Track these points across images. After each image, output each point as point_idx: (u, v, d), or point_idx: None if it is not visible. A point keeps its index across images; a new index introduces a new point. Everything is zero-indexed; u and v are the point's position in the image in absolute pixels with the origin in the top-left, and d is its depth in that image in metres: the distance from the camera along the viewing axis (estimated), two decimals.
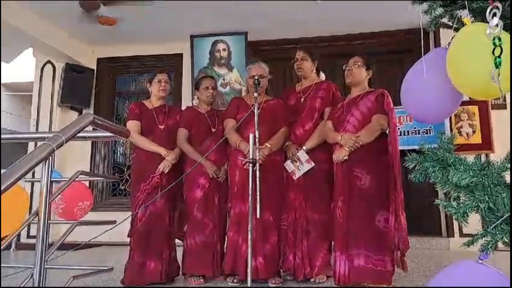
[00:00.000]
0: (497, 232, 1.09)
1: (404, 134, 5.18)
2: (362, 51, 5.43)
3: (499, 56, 1.16)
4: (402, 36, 5.21)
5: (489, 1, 1.23)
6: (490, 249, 1.11)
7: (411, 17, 1.38)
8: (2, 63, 7.68)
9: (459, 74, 1.30)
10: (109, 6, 4.59)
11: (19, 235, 5.05)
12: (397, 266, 2.75)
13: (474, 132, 5.16)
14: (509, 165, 1.18)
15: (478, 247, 1.18)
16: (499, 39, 1.18)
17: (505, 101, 5.05)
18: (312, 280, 2.98)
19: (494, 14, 1.21)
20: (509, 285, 1.06)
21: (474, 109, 5.16)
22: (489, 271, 1.10)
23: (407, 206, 5.28)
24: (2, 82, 8.77)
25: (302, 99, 3.21)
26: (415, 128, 5.21)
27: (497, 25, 1.20)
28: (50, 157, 1.66)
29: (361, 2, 4.61)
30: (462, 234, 4.92)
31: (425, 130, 5.21)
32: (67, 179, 2.05)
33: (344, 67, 3.03)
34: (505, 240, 1.12)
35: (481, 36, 1.21)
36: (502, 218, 1.07)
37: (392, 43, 5.49)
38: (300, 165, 3.03)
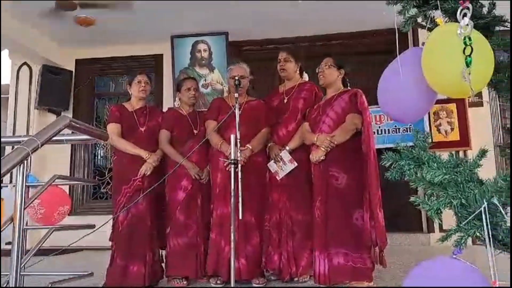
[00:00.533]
0: (470, 228, 1.12)
1: (384, 133, 5.24)
2: (344, 51, 5.56)
3: (469, 55, 1.19)
4: (383, 36, 5.26)
5: (460, 2, 1.25)
6: (463, 245, 1.13)
7: (391, 18, 1.40)
8: None
9: (433, 73, 1.33)
10: (86, 8, 4.53)
11: None
12: (376, 262, 2.79)
13: (452, 129, 5.27)
14: (481, 162, 1.21)
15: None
16: (469, 39, 1.20)
17: (482, 99, 5.16)
18: (296, 279, 3.00)
19: (465, 15, 1.24)
20: (482, 279, 1.09)
21: (452, 107, 5.26)
22: (463, 266, 1.13)
23: (387, 203, 5.37)
24: None
25: (285, 100, 3.23)
26: (395, 126, 5.28)
27: (467, 25, 1.22)
28: (26, 162, 1.63)
29: (342, 3, 4.64)
30: (442, 230, 5.01)
31: (405, 128, 5.28)
32: (44, 183, 2.02)
33: (317, 69, 3.07)
34: (477, 235, 1.14)
35: (453, 36, 1.24)
36: (474, 214, 1.09)
37: (374, 43, 5.54)
38: (283, 165, 3.04)
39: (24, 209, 1.58)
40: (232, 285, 2.50)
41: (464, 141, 5.15)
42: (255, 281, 2.95)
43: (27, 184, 1.66)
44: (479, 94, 5.09)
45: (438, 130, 5.29)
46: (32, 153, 1.57)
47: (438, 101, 5.16)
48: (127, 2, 4.54)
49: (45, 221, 2.34)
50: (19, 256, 1.57)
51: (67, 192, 4.83)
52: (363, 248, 2.77)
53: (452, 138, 5.24)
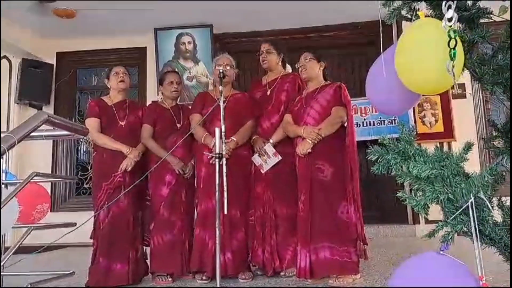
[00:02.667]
0: (457, 223, 1.10)
1: (370, 125, 5.25)
2: (328, 43, 5.55)
3: (454, 48, 1.17)
4: (367, 28, 5.25)
5: None
6: (450, 240, 1.12)
7: (375, 10, 1.39)
8: None
9: (409, 70, 1.30)
10: (67, 0, 4.41)
11: None
12: (360, 256, 2.79)
13: (436, 121, 5.30)
14: (467, 155, 1.19)
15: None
16: (454, 31, 1.18)
17: (465, 91, 5.20)
18: (282, 273, 2.99)
19: (449, 7, 1.22)
20: (469, 275, 1.08)
21: (436, 98, 5.29)
22: (451, 262, 1.12)
23: (372, 196, 5.40)
24: None
25: (268, 92, 3.20)
26: (380, 118, 5.29)
27: (451, 18, 1.20)
28: (2, 159, 1.57)
29: None
30: (427, 221, 5.06)
31: (390, 120, 5.30)
32: (21, 181, 1.96)
33: (296, 65, 3.05)
34: (465, 230, 1.13)
35: (429, 32, 1.22)
36: (461, 209, 1.08)
37: (357, 35, 5.53)
38: (267, 158, 3.02)
39: (1, 207, 1.52)
40: (217, 282, 2.47)
41: (448, 132, 5.19)
42: (241, 276, 2.93)
43: (3, 182, 1.60)
44: (462, 86, 5.14)
45: (423, 122, 5.32)
46: (8, 150, 1.51)
47: None
48: None
49: (23, 219, 2.28)
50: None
51: (49, 189, 4.74)
52: (348, 242, 2.76)
53: (437, 130, 5.28)
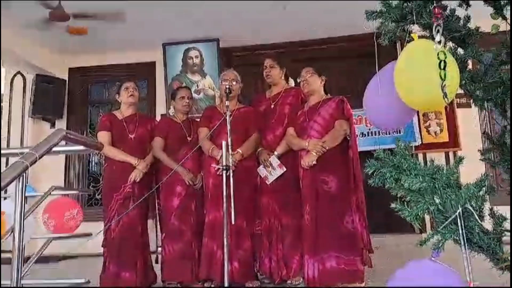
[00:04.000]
0: (447, 232, 1.19)
1: (374, 134, 5.32)
2: (333, 54, 5.65)
3: (443, 69, 1.26)
4: (368, 40, 5.33)
5: (433, 20, 1.33)
6: (440, 248, 1.21)
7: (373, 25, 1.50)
8: None
9: (406, 89, 1.40)
10: (80, 19, 4.58)
11: None
12: (365, 264, 2.86)
13: (441, 130, 5.35)
14: (456, 168, 1.28)
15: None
16: (444, 54, 1.28)
17: (470, 100, 5.24)
18: (288, 282, 3.06)
19: (438, 31, 1.31)
20: (459, 281, 1.16)
21: (441, 108, 5.34)
22: (441, 268, 1.20)
23: (379, 205, 5.44)
24: None
25: (272, 106, 3.31)
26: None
27: (440, 42, 1.30)
28: (24, 174, 1.69)
29: (330, 7, 4.72)
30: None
31: (395, 130, 5.34)
32: (41, 194, 2.07)
33: (297, 79, 3.16)
34: (455, 238, 1.21)
35: (424, 52, 1.31)
36: (450, 218, 1.17)
37: (361, 47, 5.62)
38: (272, 170, 3.12)
39: (24, 219, 1.63)
40: None
41: (454, 142, 5.23)
42: (248, 285, 3.01)
43: (26, 195, 1.71)
44: (467, 96, 5.19)
45: (428, 131, 5.37)
46: (30, 165, 1.62)
47: None
48: (118, 11, 4.58)
49: (60, 230, 2.42)
50: (20, 266, 1.62)
51: None
52: (354, 251, 2.83)
53: (442, 139, 5.32)
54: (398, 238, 5.08)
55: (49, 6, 4.34)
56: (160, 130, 3.31)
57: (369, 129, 5.37)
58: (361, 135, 5.25)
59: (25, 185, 1.74)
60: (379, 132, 5.35)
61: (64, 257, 2.89)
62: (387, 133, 5.34)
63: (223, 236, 2.62)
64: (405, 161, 1.36)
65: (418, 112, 5.31)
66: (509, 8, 1.52)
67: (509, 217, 1.32)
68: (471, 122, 5.22)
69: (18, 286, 1.61)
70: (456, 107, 5.26)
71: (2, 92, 5.89)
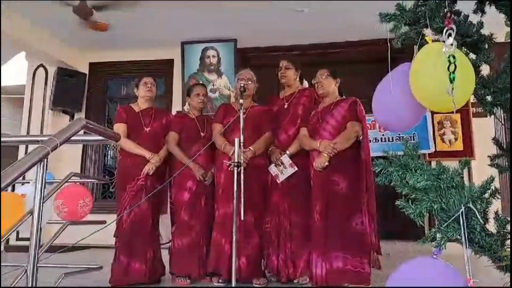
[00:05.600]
0: (449, 230, 1.22)
1: (388, 141, 5.32)
2: (347, 59, 5.67)
3: (453, 72, 1.30)
4: (382, 46, 5.35)
5: (446, 23, 1.36)
6: (442, 246, 1.24)
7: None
8: None
9: (419, 89, 1.44)
10: (100, 11, 4.69)
11: (8, 238, 5.11)
12: (372, 266, 2.88)
13: (456, 139, 5.32)
14: (462, 170, 1.31)
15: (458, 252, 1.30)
16: (454, 57, 1.31)
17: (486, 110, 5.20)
18: (295, 281, 3.09)
19: (450, 34, 1.35)
20: (459, 278, 1.19)
21: (457, 117, 5.32)
22: (442, 265, 1.23)
23: (392, 212, 5.43)
24: None
25: (286, 106, 3.36)
26: (399, 134, 5.34)
27: (451, 44, 1.33)
28: (45, 160, 1.76)
29: (348, 11, 4.76)
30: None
31: (409, 137, 5.33)
32: (59, 180, 2.15)
33: (312, 81, 3.19)
34: (457, 237, 1.24)
35: (438, 55, 1.35)
36: (453, 217, 1.20)
37: (378, 52, 5.63)
38: (283, 169, 3.16)
39: (43, 203, 1.71)
40: (233, 283, 2.61)
41: (468, 151, 5.19)
42: (255, 281, 3.05)
43: (46, 181, 1.79)
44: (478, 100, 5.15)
45: (442, 140, 5.35)
46: (52, 151, 1.70)
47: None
48: (139, 6, 4.69)
49: (70, 216, 2.50)
50: (37, 248, 1.70)
51: None
52: (362, 253, 2.85)
53: (456, 148, 5.29)
54: (408, 245, 5.07)
55: (71, 4, 4.47)
56: (175, 125, 3.38)
57: (383, 135, 5.37)
58: (374, 140, 5.26)
59: (46, 170, 1.81)
60: (392, 138, 5.35)
61: (74, 248, 2.96)
62: (400, 139, 5.33)
63: (232, 232, 2.67)
64: (412, 161, 1.39)
65: (433, 120, 5.30)
66: None
67: (510, 217, 1.34)
68: (486, 131, 5.19)
69: (35, 266, 1.68)
70: (471, 116, 5.24)
71: (24, 83, 6.06)
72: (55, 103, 5.71)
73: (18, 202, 1.93)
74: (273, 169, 3.20)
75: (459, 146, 5.29)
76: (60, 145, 1.76)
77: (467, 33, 1.54)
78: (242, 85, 3.08)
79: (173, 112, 5.43)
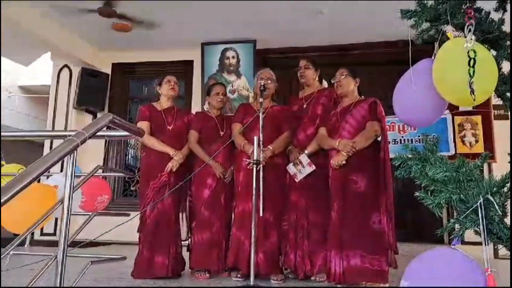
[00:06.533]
0: (467, 221, 1.24)
1: (409, 142, 5.29)
2: (367, 60, 5.67)
3: (473, 67, 1.32)
4: (407, 45, 5.33)
5: (465, 19, 1.39)
6: (460, 236, 1.26)
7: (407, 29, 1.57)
8: (20, 66, 7.99)
9: (442, 82, 1.46)
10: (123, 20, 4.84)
11: (33, 232, 5.26)
12: (390, 265, 2.88)
13: (477, 141, 5.26)
14: (481, 163, 1.33)
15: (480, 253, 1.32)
16: (474, 52, 1.33)
17: (507, 112, 5.14)
18: (312, 278, 3.12)
19: (470, 30, 1.37)
20: (476, 267, 1.21)
21: (477, 119, 5.26)
22: (460, 255, 1.25)
23: (410, 215, 5.40)
24: (20, 84, 9.08)
25: (305, 106, 3.39)
26: (419, 136, 5.31)
27: (471, 39, 1.35)
28: (75, 152, 1.84)
29: (368, 11, 4.77)
30: (463, 242, 5.00)
31: (429, 138, 5.28)
32: (86, 174, 2.23)
33: (331, 80, 3.21)
34: (476, 229, 1.26)
35: (460, 50, 1.37)
36: (471, 208, 1.22)
37: (398, 53, 5.61)
38: (302, 168, 3.18)
39: (72, 193, 1.79)
40: (251, 279, 2.65)
41: (489, 153, 5.11)
42: (273, 278, 3.09)
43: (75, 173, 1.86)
44: (503, 107, 5.09)
45: (463, 142, 5.29)
46: (81, 144, 1.77)
47: (463, 113, 5.19)
48: (160, 8, 4.80)
49: (86, 208, 2.57)
50: (66, 236, 1.77)
51: None
52: (379, 251, 2.86)
53: (477, 150, 5.21)
54: (426, 248, 5.03)
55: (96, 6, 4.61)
56: (195, 123, 3.44)
57: (402, 136, 5.34)
58: (393, 142, 5.24)
59: (75, 162, 1.89)
60: (412, 140, 5.32)
61: (97, 243, 3.05)
62: (420, 141, 5.30)
63: (251, 228, 2.72)
64: (432, 155, 1.41)
65: (453, 122, 5.25)
66: None
67: (509, 216, 1.35)
68: (508, 134, 5.11)
69: (65, 253, 1.76)
70: (493, 118, 5.17)
71: (49, 83, 6.22)
72: (79, 102, 5.87)
73: (51, 193, 2.02)
74: (291, 168, 3.24)
75: (479, 148, 5.22)
76: (88, 138, 1.84)
77: (488, 30, 1.56)
78: (262, 84, 3.13)
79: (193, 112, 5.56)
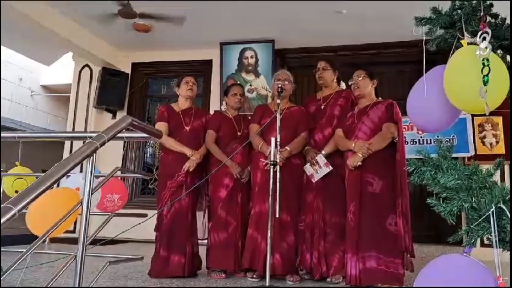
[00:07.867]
0: (479, 229, 1.24)
1: (426, 143, 5.24)
2: (385, 60, 5.63)
3: (487, 75, 1.32)
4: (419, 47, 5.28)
5: (480, 26, 1.38)
6: (473, 244, 1.26)
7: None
8: (42, 65, 8.20)
9: (453, 90, 1.46)
10: (145, 19, 4.91)
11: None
12: (406, 268, 2.87)
13: (497, 142, 5.16)
14: (495, 171, 1.33)
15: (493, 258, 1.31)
16: (487, 60, 1.33)
17: None
18: (328, 279, 3.12)
19: (484, 38, 1.37)
20: (488, 274, 1.21)
21: (498, 119, 5.17)
22: (473, 263, 1.26)
23: (429, 217, 5.35)
24: (41, 83, 9.31)
25: (322, 107, 3.40)
26: (437, 136, 5.24)
27: (486, 48, 1.35)
28: (94, 154, 1.90)
29: (387, 12, 4.73)
30: (482, 244, 4.93)
31: (448, 139, 5.22)
32: (105, 174, 2.30)
33: (349, 82, 3.21)
34: (488, 236, 1.27)
35: (472, 58, 1.37)
36: (484, 216, 1.22)
37: (416, 54, 5.55)
38: (318, 168, 3.19)
39: (92, 194, 1.85)
40: (267, 280, 2.68)
41: (510, 154, 5.02)
42: (289, 278, 3.11)
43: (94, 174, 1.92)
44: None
45: (483, 143, 5.20)
46: (100, 146, 1.83)
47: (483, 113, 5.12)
48: (179, 16, 4.86)
49: (101, 208, 2.62)
50: (86, 237, 1.83)
51: None
52: (396, 253, 2.86)
53: (497, 151, 5.12)
54: (445, 250, 4.99)
55: (120, 4, 4.69)
56: (213, 123, 3.48)
57: (421, 137, 5.29)
58: (411, 142, 5.20)
59: (94, 164, 1.95)
60: (430, 141, 5.26)
61: (115, 241, 3.11)
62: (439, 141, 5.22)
63: (268, 229, 2.75)
64: (445, 161, 1.42)
65: (473, 122, 5.17)
66: None
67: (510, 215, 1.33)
68: None
69: (84, 252, 1.82)
70: None
71: (70, 82, 6.34)
72: (99, 101, 5.99)
73: (75, 196, 2.08)
74: (308, 169, 3.25)
75: (500, 149, 5.13)
76: (108, 141, 1.90)
77: (504, 35, 1.55)
78: (279, 85, 3.15)
79: (211, 112, 5.61)
